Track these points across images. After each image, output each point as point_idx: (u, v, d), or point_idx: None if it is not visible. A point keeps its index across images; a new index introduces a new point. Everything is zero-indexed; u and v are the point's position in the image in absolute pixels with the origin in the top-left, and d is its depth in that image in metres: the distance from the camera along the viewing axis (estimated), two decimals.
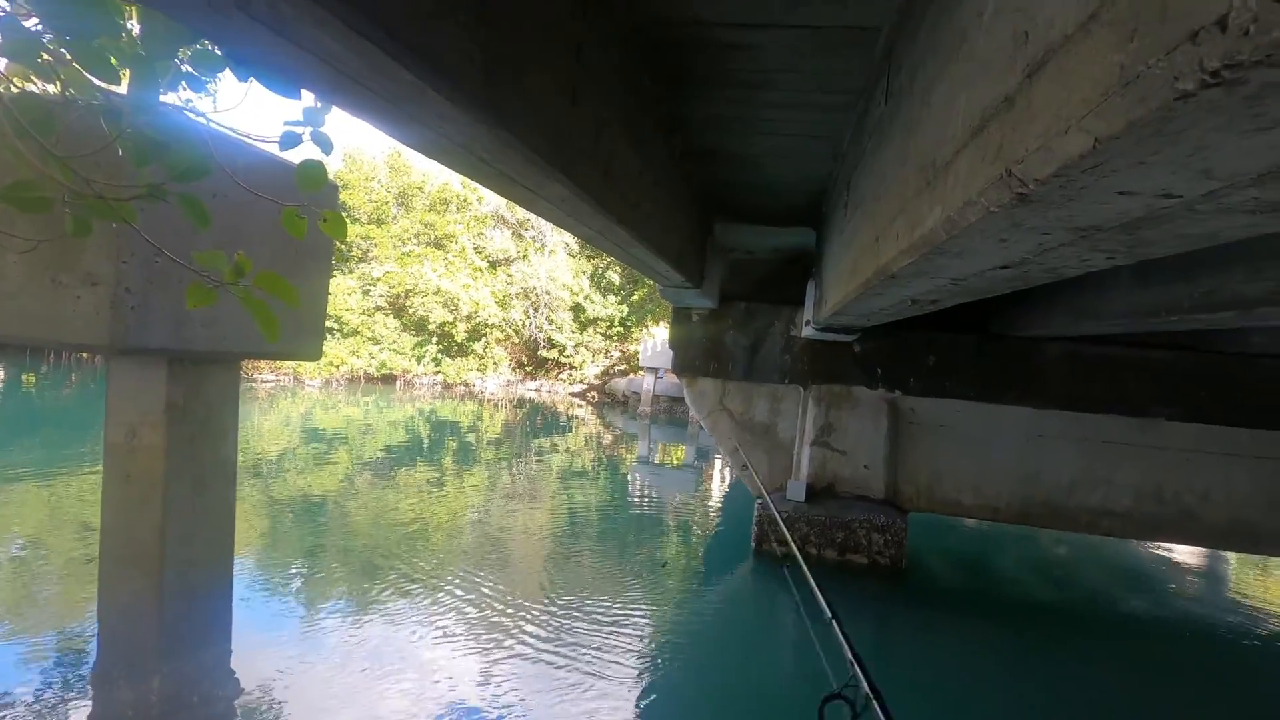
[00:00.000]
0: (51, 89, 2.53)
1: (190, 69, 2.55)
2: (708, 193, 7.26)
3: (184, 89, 2.84)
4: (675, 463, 16.97)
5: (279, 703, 4.22)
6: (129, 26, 2.23)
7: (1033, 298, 6.51)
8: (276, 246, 3.84)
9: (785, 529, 7.03)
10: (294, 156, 2.35)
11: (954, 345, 8.48)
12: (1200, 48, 0.72)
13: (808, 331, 8.17)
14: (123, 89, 2.18)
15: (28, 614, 5.31)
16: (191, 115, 2.66)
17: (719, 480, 14.66)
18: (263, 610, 5.62)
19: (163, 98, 2.27)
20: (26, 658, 4.55)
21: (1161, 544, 10.25)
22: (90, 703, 3.66)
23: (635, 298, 33.56)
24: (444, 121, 2.14)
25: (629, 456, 17.27)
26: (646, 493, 12.73)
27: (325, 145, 2.35)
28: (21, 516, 7.73)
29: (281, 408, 20.24)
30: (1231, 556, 10.31)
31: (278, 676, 4.50)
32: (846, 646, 2.93)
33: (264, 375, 26.24)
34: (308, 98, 2.20)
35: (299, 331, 4.13)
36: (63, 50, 2.09)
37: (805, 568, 4.39)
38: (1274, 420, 7.69)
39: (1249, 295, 3.26)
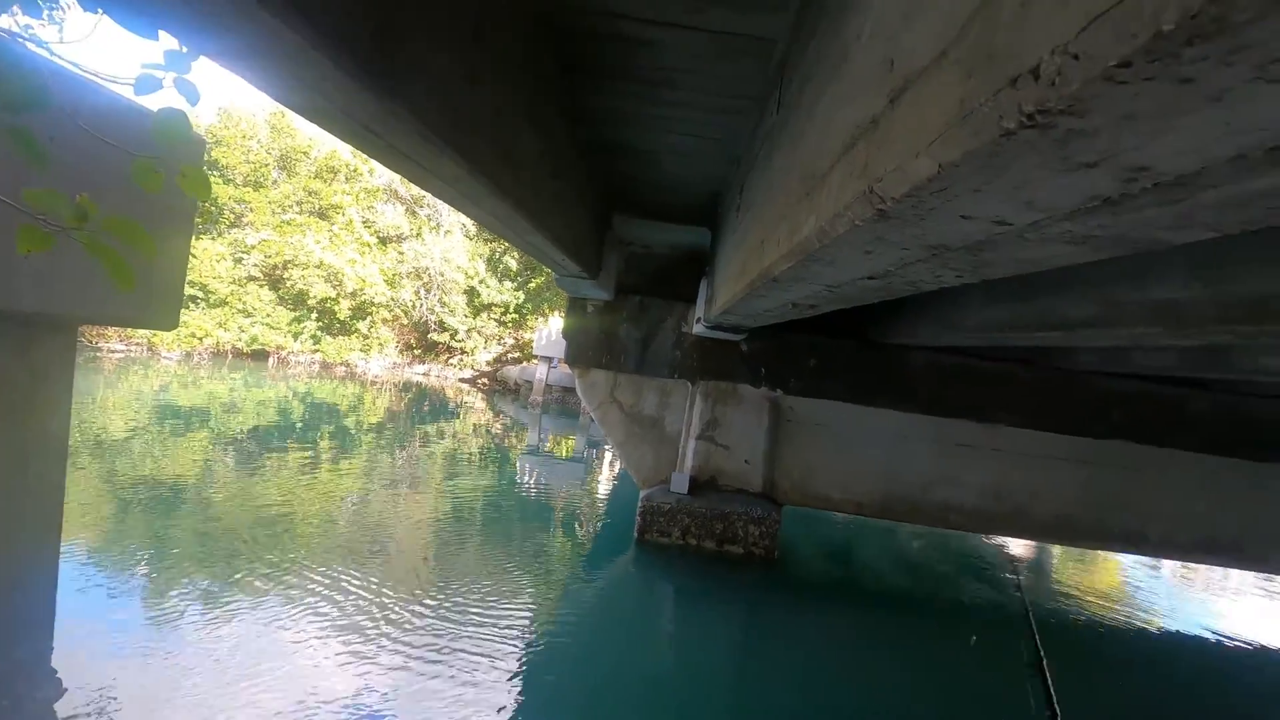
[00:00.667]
0: None
1: None
2: (608, 185, 7.30)
3: (18, 12, 2.53)
4: (565, 453, 16.95)
5: (108, 706, 3.83)
6: None
7: (904, 309, 7.04)
8: (128, 200, 3.47)
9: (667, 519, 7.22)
10: (153, 104, 2.15)
11: (833, 349, 9.01)
12: (1019, 92, 0.81)
13: (698, 329, 8.40)
14: None
15: None
16: (28, 44, 2.37)
17: (608, 471, 14.80)
18: (97, 604, 5.07)
19: None
20: None
21: (999, 537, 11.40)
22: None
23: (532, 285, 33.11)
24: (327, 84, 2.03)
25: (519, 445, 17.06)
26: (534, 483, 12.64)
27: (190, 94, 2.15)
28: None
29: (131, 381, 18.34)
30: (1055, 549, 11.65)
31: (110, 677, 4.08)
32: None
33: (113, 344, 23.64)
34: (169, 40, 2.01)
35: (153, 296, 3.75)
36: None
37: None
38: (1089, 429, 8.77)
39: (1073, 317, 3.70)
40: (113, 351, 23.18)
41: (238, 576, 5.89)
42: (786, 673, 5.67)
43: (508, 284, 33.07)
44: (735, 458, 9.03)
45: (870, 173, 1.39)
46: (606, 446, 17.57)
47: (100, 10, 1.95)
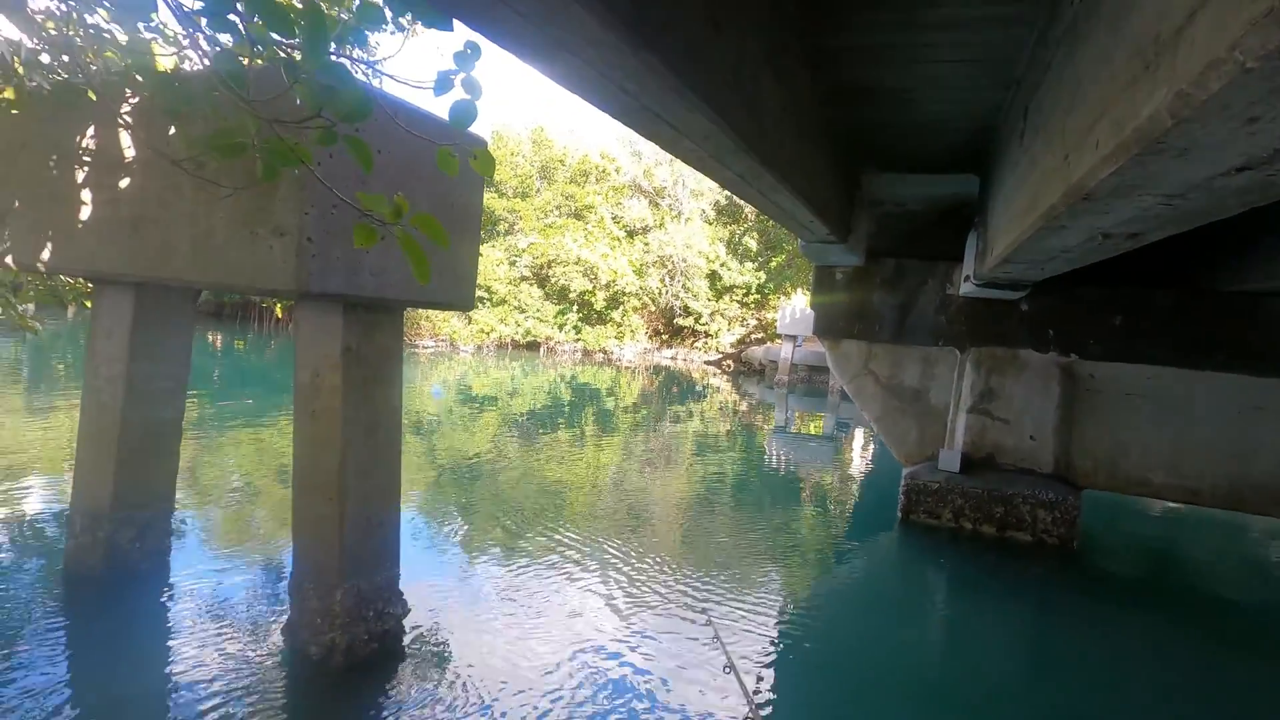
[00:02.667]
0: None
1: (355, 22, 2.71)
2: (855, 140, 6.79)
3: (347, 48, 3.02)
4: (814, 432, 16.47)
5: (438, 624, 4.63)
6: None
7: (1260, 241, 5.51)
8: (431, 201, 4.06)
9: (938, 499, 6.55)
10: (444, 104, 2.43)
11: (1146, 302, 7.43)
12: None
13: (966, 289, 7.48)
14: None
15: (241, 536, 6.18)
16: (354, 65, 2.84)
17: (860, 451, 14.05)
18: (422, 549, 6.15)
19: (331, 52, 2.42)
20: (240, 569, 5.30)
21: None
22: (288, 608, 4.20)
23: (773, 264, 32.69)
24: (589, 44, 2.10)
25: (766, 425, 16.99)
26: (783, 461, 12.47)
27: (475, 89, 2.39)
28: (236, 458, 8.99)
29: (439, 370, 21.96)
30: None
31: (437, 604, 4.94)
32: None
33: (425, 341, 28.58)
34: (457, 42, 2.25)
35: (453, 281, 4.37)
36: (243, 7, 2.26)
37: None
38: None
39: None
40: (425, 347, 28.03)
41: (525, 535, 6.69)
42: (1084, 683, 4.79)
43: (748, 265, 33.08)
44: (1017, 433, 7.92)
45: None
46: (858, 426, 16.69)
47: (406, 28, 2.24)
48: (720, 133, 3.16)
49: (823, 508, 9.42)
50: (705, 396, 21.76)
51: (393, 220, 2.26)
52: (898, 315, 8.50)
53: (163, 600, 4.74)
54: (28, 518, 5.92)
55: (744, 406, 20.20)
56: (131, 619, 4.45)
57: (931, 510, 7.85)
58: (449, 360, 25.00)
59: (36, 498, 6.41)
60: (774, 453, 13.24)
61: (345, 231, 3.57)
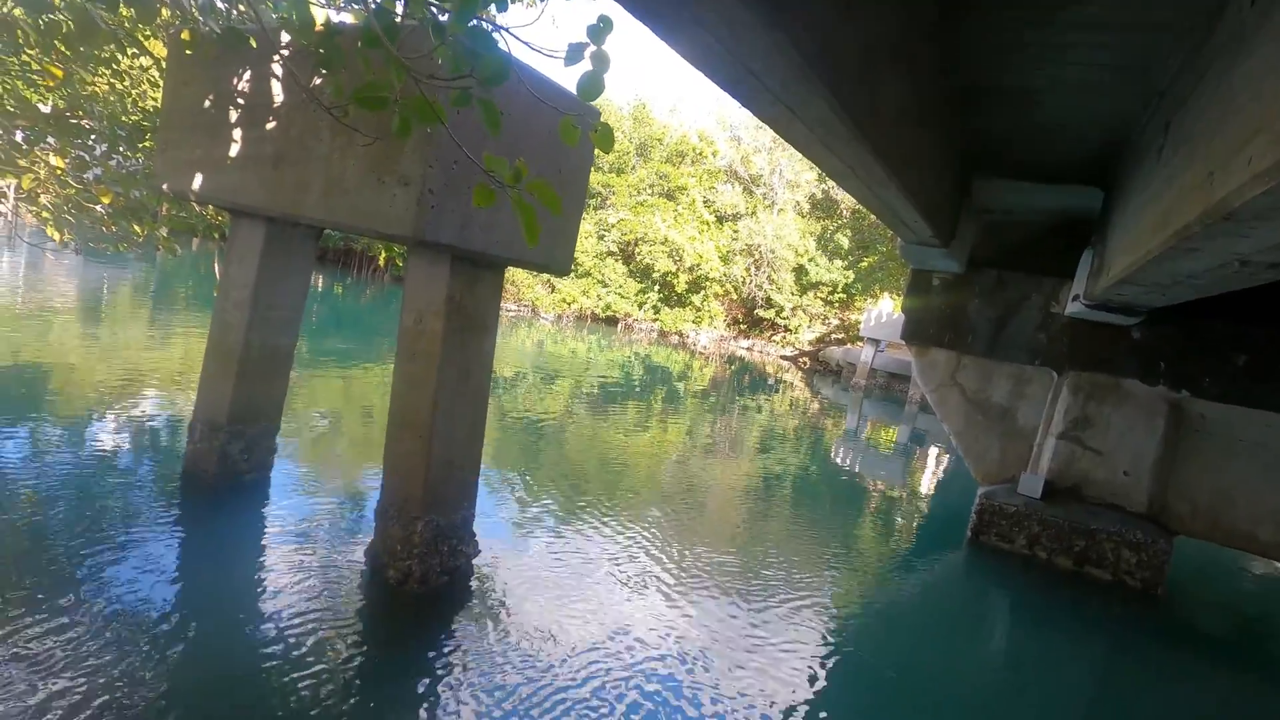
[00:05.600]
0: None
1: None
2: (971, 143, 6.53)
3: (485, 11, 3.17)
4: (886, 442, 16.03)
5: (502, 571, 4.88)
6: None
7: None
8: (545, 167, 4.22)
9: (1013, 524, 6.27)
10: (571, 77, 2.52)
11: (1277, 345, 6.83)
12: None
13: (1074, 308, 7.10)
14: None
15: (333, 463, 6.67)
16: (495, 30, 2.99)
17: (934, 468, 13.59)
18: (494, 500, 6.45)
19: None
20: (331, 492, 5.74)
21: None
22: (373, 532, 4.54)
23: (864, 264, 31.71)
24: (724, 23, 2.15)
25: (835, 429, 16.66)
26: (850, 467, 12.23)
27: (604, 63, 2.49)
28: (331, 394, 9.63)
29: (519, 335, 22.61)
30: None
31: (502, 553, 5.20)
32: None
33: (508, 305, 29.44)
34: (589, 17, 2.34)
35: (554, 246, 4.53)
36: None
37: None
38: None
39: None
40: (507, 311, 28.87)
41: (587, 501, 6.89)
42: None
43: (837, 263, 32.23)
44: (1110, 466, 7.49)
45: None
46: (934, 443, 16.13)
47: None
48: (836, 119, 3.15)
49: (887, 518, 9.22)
50: (777, 391, 21.50)
51: (511, 183, 2.38)
52: (993, 328, 8.16)
53: (263, 508, 5.20)
54: (152, 425, 6.58)
55: (816, 406, 19.85)
56: (235, 522, 4.92)
57: (1005, 534, 7.56)
58: (529, 325, 25.67)
59: (160, 408, 7.10)
60: (841, 457, 13.00)
61: (462, 187, 3.77)
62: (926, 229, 6.10)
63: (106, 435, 6.05)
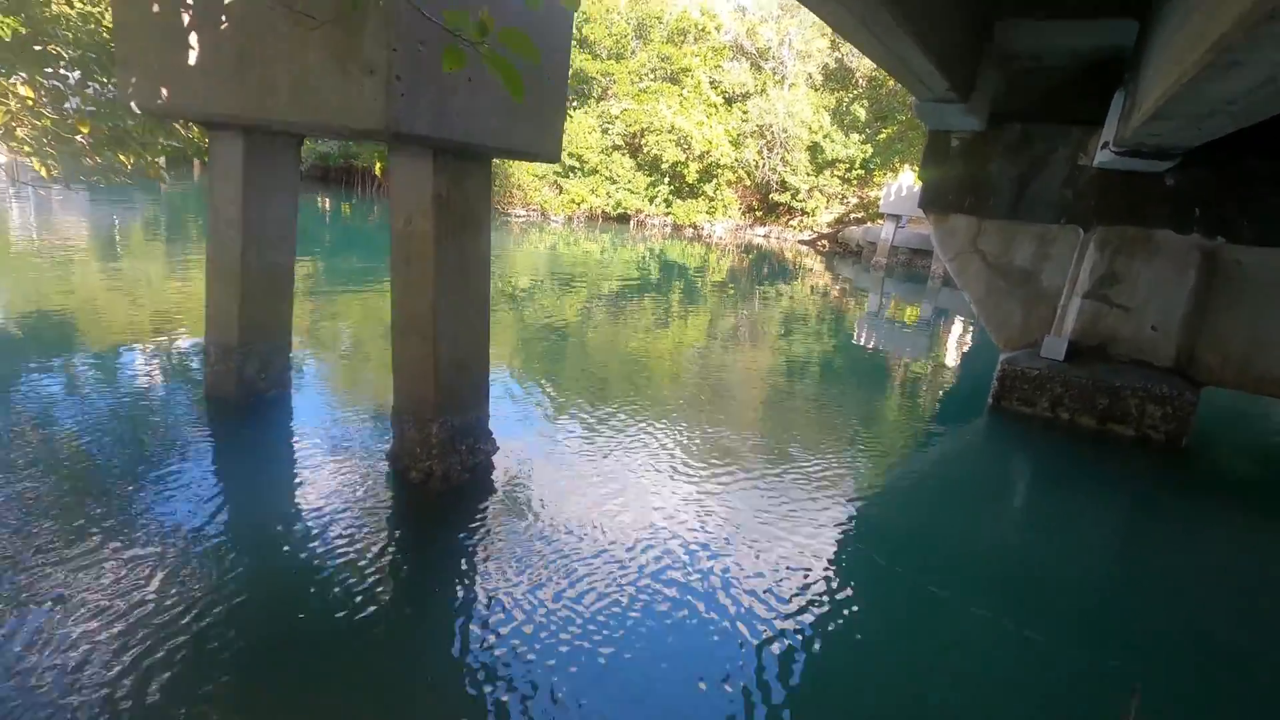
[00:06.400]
0: None
1: None
2: None
3: None
4: (908, 319, 15.81)
5: (525, 469, 4.98)
6: None
7: None
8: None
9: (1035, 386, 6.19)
10: None
11: None
12: None
13: (1103, 158, 6.67)
14: None
15: (351, 376, 6.76)
16: None
17: (957, 339, 13.43)
18: (514, 403, 6.52)
19: None
20: (351, 403, 5.85)
21: None
22: (390, 437, 4.64)
23: (881, 136, 30.18)
24: None
25: (858, 309, 16.43)
26: (872, 345, 12.13)
27: None
28: (346, 311, 9.66)
29: (531, 239, 22.28)
30: None
31: (524, 452, 5.28)
32: None
33: (516, 210, 28.87)
34: None
35: (539, 131, 4.29)
36: None
37: None
38: None
39: None
40: (517, 217, 28.36)
41: (607, 399, 6.95)
42: (1170, 586, 4.65)
43: (854, 137, 30.72)
44: (1137, 322, 7.29)
45: None
46: (957, 316, 15.87)
47: None
48: None
49: (910, 393, 9.21)
50: (796, 277, 21.14)
51: (478, 38, 2.17)
52: (1016, 188, 7.75)
53: (287, 424, 5.33)
54: (178, 353, 6.68)
55: (836, 289, 19.53)
56: (260, 439, 5.05)
57: (1027, 398, 7.52)
58: (540, 230, 25.25)
59: (184, 337, 7.18)
60: (863, 337, 12.88)
61: (433, 71, 3.53)
62: (942, 82, 5.67)
63: (134, 368, 6.17)
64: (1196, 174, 6.80)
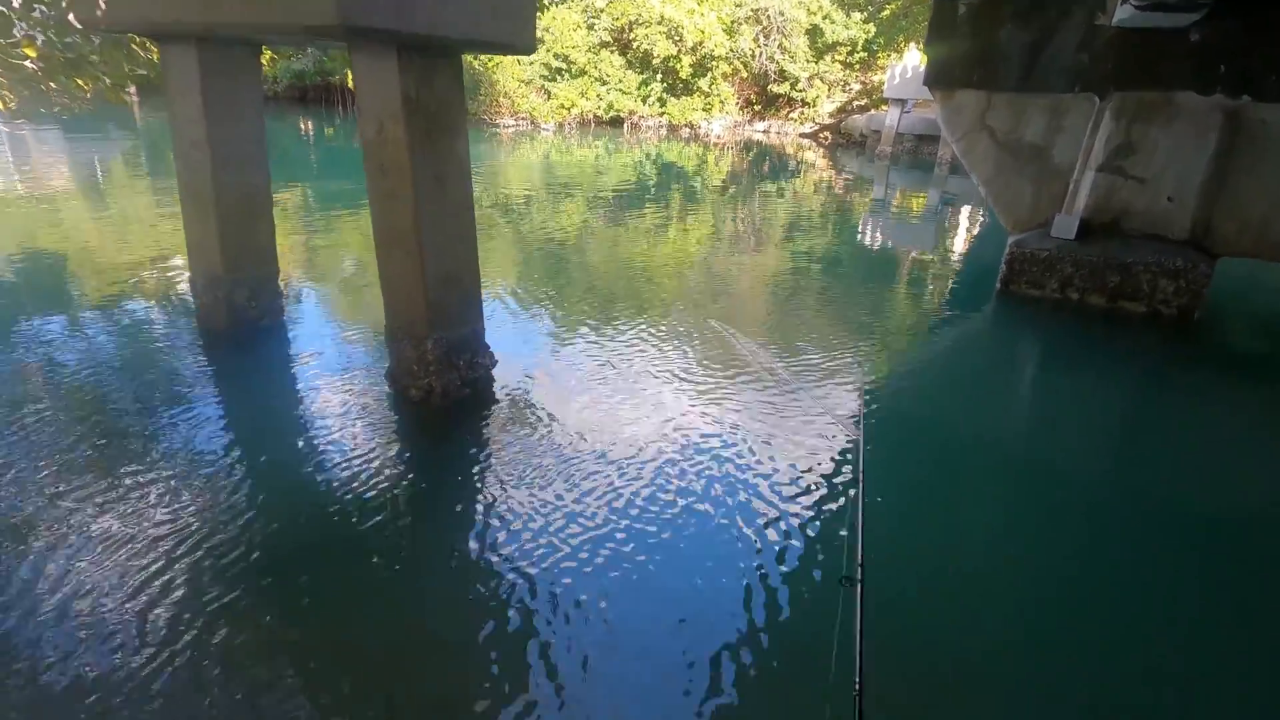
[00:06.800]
0: None
1: None
2: None
3: None
4: (915, 210, 15.35)
5: (526, 383, 4.93)
6: None
7: None
8: None
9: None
10: None
11: None
12: None
13: (1123, 14, 6.18)
14: None
15: (345, 299, 6.66)
16: None
17: (964, 227, 13.07)
18: (513, 319, 6.42)
19: None
20: (346, 326, 5.78)
21: None
22: (386, 356, 4.59)
23: (885, 13, 28.33)
24: None
25: (862, 203, 15.93)
26: (877, 239, 11.81)
27: None
28: (337, 234, 9.43)
29: (522, 151, 21.50)
30: None
31: (526, 366, 5.22)
32: None
33: (505, 120, 27.72)
34: None
35: (510, 18, 3.95)
36: None
37: None
38: None
39: None
40: (505, 126, 27.25)
41: (609, 309, 6.83)
42: (1174, 459, 4.64)
43: (856, 16, 28.85)
44: (1152, 194, 6.99)
45: None
46: (965, 204, 15.37)
47: None
48: None
49: (916, 283, 9.03)
50: (798, 173, 20.42)
51: None
52: (1028, 56, 7.25)
53: (283, 351, 5.29)
54: (167, 288, 6.56)
55: (840, 183, 18.89)
56: (256, 367, 5.02)
57: (1035, 280, 7.34)
58: (530, 140, 24.32)
59: (172, 271, 7.05)
60: (868, 231, 12.53)
61: None
62: None
63: (128, 305, 6.08)
64: (1224, 26, 6.30)
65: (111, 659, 2.48)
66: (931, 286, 8.82)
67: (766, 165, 21.84)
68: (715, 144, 26.37)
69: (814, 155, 24.43)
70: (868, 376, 5.50)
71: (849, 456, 4.20)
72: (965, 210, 14.54)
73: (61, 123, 19.01)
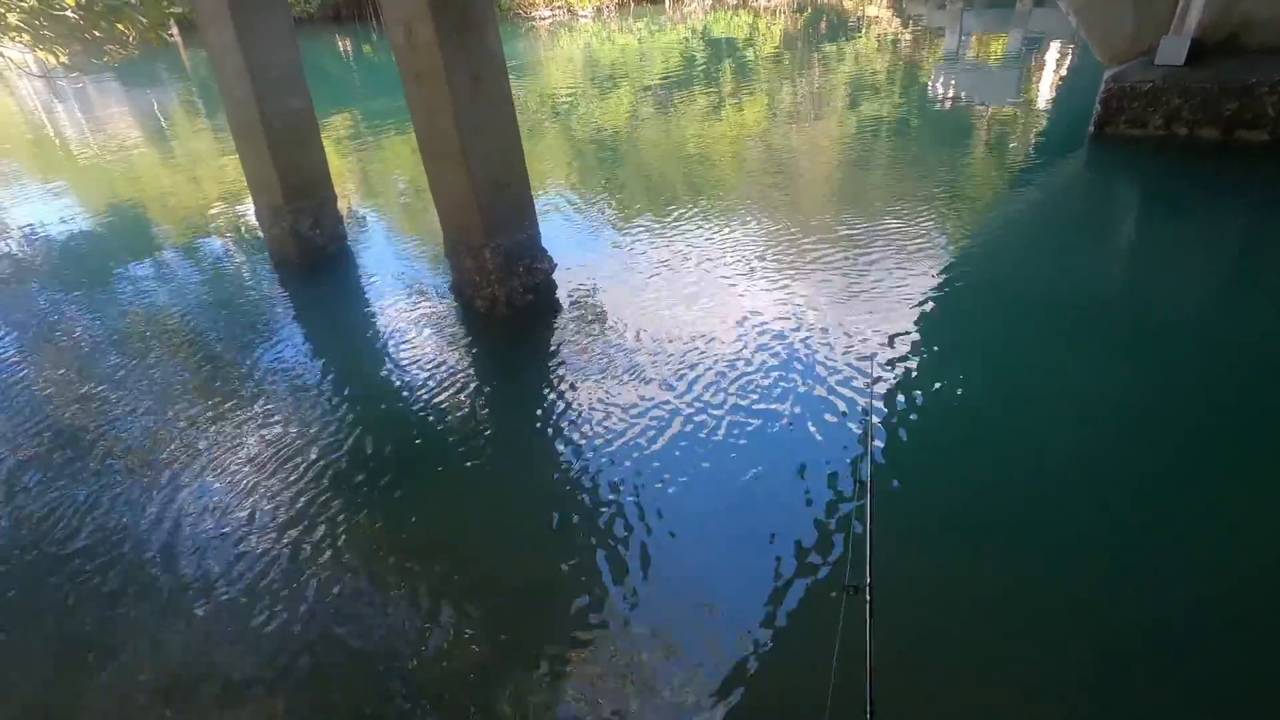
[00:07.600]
0: None
1: None
2: None
3: None
4: (993, 57, 13.83)
5: (591, 286, 4.88)
6: None
7: None
8: None
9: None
10: None
11: None
12: None
13: None
14: None
15: (404, 218, 6.73)
16: None
17: (1051, 69, 11.72)
18: (571, 221, 6.32)
19: None
20: (408, 245, 5.87)
21: None
22: (448, 270, 4.65)
23: None
24: None
25: (932, 56, 14.47)
26: (950, 94, 10.75)
27: None
28: (392, 154, 9.42)
29: (562, 43, 20.52)
30: None
31: (588, 269, 5.15)
32: None
33: (541, 12, 26.39)
34: None
35: None
36: None
37: None
38: None
39: None
40: (542, 18, 25.96)
41: (669, 203, 6.57)
42: None
43: None
44: None
45: None
46: (1052, 40, 13.70)
47: None
48: None
49: (997, 137, 8.24)
50: (859, 32, 18.64)
51: None
52: None
53: (353, 276, 5.45)
54: (238, 225, 6.80)
55: (907, 37, 17.15)
56: (333, 294, 5.21)
57: (1136, 118, 6.57)
58: (569, 30, 23.13)
59: (240, 206, 7.28)
60: (939, 88, 11.42)
61: None
62: None
63: (205, 247, 6.36)
64: None
65: (235, 555, 2.78)
66: (1014, 140, 8.03)
67: (824, 25, 20.07)
68: (765, 9, 24.32)
69: (876, 8, 22.19)
70: (951, 244, 5.14)
71: (933, 332, 4.00)
72: (1051, 50, 13.00)
73: (115, 72, 19.44)
